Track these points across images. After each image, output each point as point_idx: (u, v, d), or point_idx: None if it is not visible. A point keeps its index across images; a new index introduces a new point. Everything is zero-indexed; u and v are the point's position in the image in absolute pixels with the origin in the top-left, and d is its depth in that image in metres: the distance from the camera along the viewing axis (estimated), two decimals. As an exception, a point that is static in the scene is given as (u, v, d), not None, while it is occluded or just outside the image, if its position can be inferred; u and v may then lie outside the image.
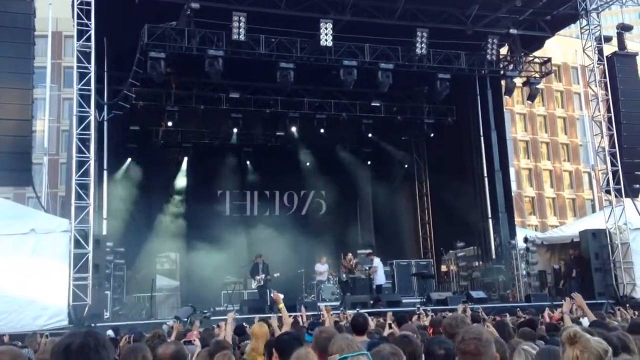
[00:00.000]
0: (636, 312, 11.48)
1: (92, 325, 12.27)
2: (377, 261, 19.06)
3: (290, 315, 7.39)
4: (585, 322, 6.50)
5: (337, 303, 16.39)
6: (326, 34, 16.24)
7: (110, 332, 9.42)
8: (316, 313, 12.45)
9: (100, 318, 13.49)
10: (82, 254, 13.19)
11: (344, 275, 18.44)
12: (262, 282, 17.53)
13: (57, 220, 14.80)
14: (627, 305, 13.48)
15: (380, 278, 18.86)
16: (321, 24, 16.21)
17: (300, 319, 9.01)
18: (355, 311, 10.00)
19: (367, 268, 18.89)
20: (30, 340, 8.17)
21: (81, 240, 13.22)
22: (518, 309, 12.85)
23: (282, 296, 7.22)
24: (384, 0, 17.00)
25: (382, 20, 17.16)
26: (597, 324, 5.50)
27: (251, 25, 15.79)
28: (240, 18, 15.58)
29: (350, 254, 19.24)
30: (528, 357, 3.75)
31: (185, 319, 11.86)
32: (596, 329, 4.56)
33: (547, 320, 8.61)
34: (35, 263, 12.84)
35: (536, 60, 19.78)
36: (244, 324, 9.14)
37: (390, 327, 7.23)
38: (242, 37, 15.78)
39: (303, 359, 3.52)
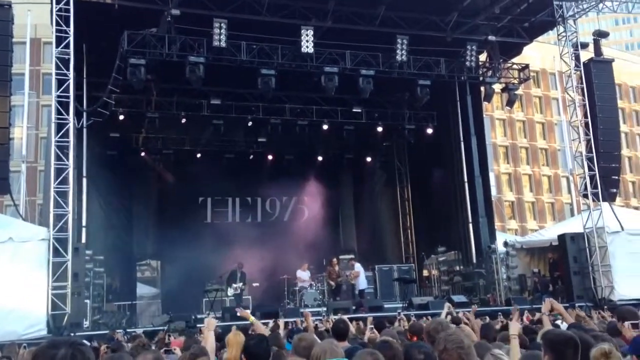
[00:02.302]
0: (613, 315, 11.62)
1: (72, 334, 12.13)
2: (358, 266, 19.13)
3: (267, 323, 7.37)
4: (563, 324, 6.58)
5: (320, 309, 16.38)
6: (307, 41, 16.29)
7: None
8: (298, 319, 12.42)
9: (80, 327, 13.33)
10: (61, 263, 13.06)
11: (332, 282, 18.51)
12: (238, 291, 17.52)
13: (35, 228, 14.62)
14: (605, 307, 13.66)
15: (362, 283, 18.94)
16: (302, 31, 16.26)
17: (281, 323, 9.00)
18: (337, 316, 10.02)
19: (348, 274, 18.97)
20: (9, 350, 8.05)
21: (60, 248, 13.08)
22: (499, 312, 12.96)
23: (248, 311, 7.21)
24: (364, 7, 17.12)
25: (362, 27, 17.28)
26: (575, 326, 5.57)
27: (232, 31, 15.77)
28: (221, 24, 15.57)
29: (334, 259, 19.32)
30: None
31: (164, 328, 11.79)
32: (574, 330, 4.63)
33: (526, 322, 8.70)
34: (13, 272, 12.68)
35: (514, 66, 20.02)
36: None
37: (371, 331, 7.25)
38: (223, 44, 15.75)
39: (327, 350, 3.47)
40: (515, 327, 4.75)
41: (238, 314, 10.28)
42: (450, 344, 3.20)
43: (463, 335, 3.47)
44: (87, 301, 14.80)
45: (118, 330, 12.70)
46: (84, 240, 16.24)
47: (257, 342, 4.25)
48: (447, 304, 9.55)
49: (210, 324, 5.68)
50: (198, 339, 8.11)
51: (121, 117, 19.08)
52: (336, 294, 18.83)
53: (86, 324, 14.21)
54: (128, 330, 13.24)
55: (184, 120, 20.18)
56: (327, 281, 18.90)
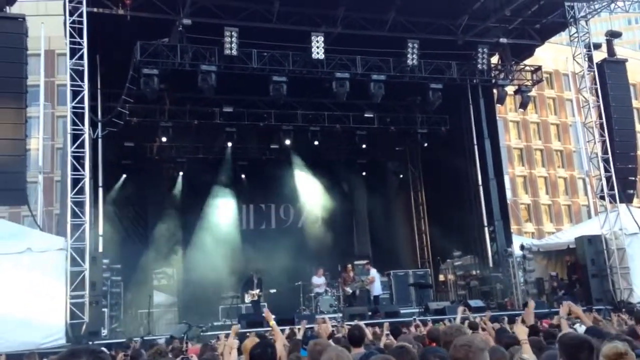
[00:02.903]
0: (632, 318, 11.48)
1: (90, 342, 12.22)
2: (373, 272, 19.07)
3: (285, 329, 7.40)
4: (581, 327, 6.53)
5: (336, 315, 16.35)
6: (318, 47, 16.35)
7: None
8: (315, 326, 12.41)
9: (98, 336, 13.42)
10: (79, 272, 13.16)
11: (348, 289, 18.48)
12: (255, 297, 17.54)
13: (53, 238, 14.76)
14: (623, 310, 13.50)
15: (377, 289, 18.88)
16: (312, 37, 16.32)
17: (297, 331, 9.00)
18: (353, 323, 10.00)
19: (363, 280, 18.92)
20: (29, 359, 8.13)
21: (77, 257, 13.19)
22: (516, 317, 12.86)
23: (273, 316, 7.26)
24: (374, 13, 17.14)
25: (373, 32, 17.30)
26: (592, 330, 5.52)
27: (243, 39, 15.88)
28: (232, 33, 15.68)
29: (349, 265, 19.30)
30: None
31: (182, 336, 11.83)
32: (591, 333, 4.59)
33: (545, 326, 8.63)
34: (31, 282, 12.79)
35: (527, 68, 19.93)
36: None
37: (387, 337, 7.24)
38: (234, 52, 15.86)
39: (334, 357, 3.48)
40: (522, 332, 4.72)
41: (263, 314, 10.42)
42: (459, 341, 3.26)
43: (477, 338, 3.47)
44: (105, 310, 14.90)
45: (135, 339, 12.77)
46: (100, 249, 16.35)
47: (262, 350, 4.26)
48: (460, 308, 9.51)
49: (231, 344, 5.54)
50: (215, 345, 8.16)
51: (135, 127, 19.24)
52: (352, 300, 18.80)
53: (104, 332, 14.30)
54: (145, 338, 13.31)
55: (197, 129, 20.30)
56: (342, 287, 18.88)
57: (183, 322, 14.78)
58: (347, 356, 3.47)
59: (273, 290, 18.07)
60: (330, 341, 5.76)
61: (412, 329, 9.44)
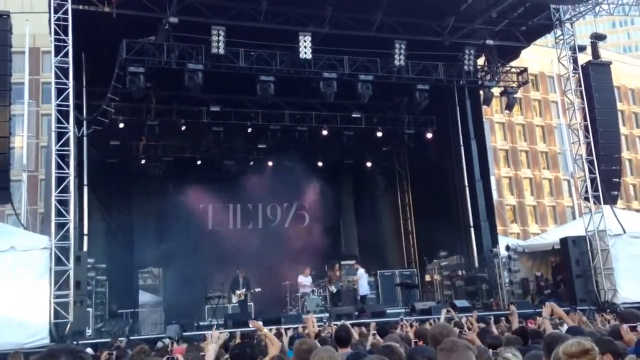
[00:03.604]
0: (616, 318, 11.61)
1: (75, 342, 12.11)
2: (361, 271, 19.10)
3: (271, 329, 7.36)
4: (564, 328, 6.58)
5: (322, 315, 16.35)
6: (305, 47, 16.33)
7: (89, 350, 9.30)
8: (299, 325, 12.41)
9: (83, 335, 13.32)
10: (63, 271, 13.06)
11: (333, 287, 18.49)
12: (242, 297, 17.49)
13: (37, 237, 14.62)
14: (607, 310, 13.63)
15: (363, 289, 18.90)
16: (300, 37, 16.30)
17: (283, 332, 8.98)
18: (340, 322, 9.99)
19: (349, 280, 18.95)
20: (14, 359, 8.04)
21: (62, 257, 13.08)
22: (502, 317, 12.94)
23: (260, 323, 7.18)
24: (361, 13, 17.16)
25: (360, 33, 17.32)
26: (574, 329, 5.57)
27: (230, 38, 15.82)
28: (220, 32, 15.62)
29: (336, 265, 19.31)
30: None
31: (180, 336, 11.81)
32: (571, 332, 4.63)
33: (530, 327, 8.69)
34: (15, 281, 12.67)
35: (513, 70, 20.05)
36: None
37: (374, 337, 7.24)
38: (221, 51, 15.80)
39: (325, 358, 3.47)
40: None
41: (251, 326, 10.23)
42: (445, 342, 3.26)
43: (462, 340, 3.48)
44: (90, 309, 14.78)
45: (120, 338, 12.68)
46: (85, 248, 16.24)
47: (241, 351, 4.25)
48: (444, 309, 9.55)
49: (215, 337, 5.58)
50: (200, 346, 8.11)
51: (121, 125, 19.13)
52: (338, 299, 18.82)
53: (89, 332, 14.19)
54: (131, 338, 13.22)
55: (183, 128, 20.22)
56: (327, 286, 18.88)
57: (172, 322, 14.71)
58: (339, 357, 3.46)
59: (258, 290, 18.02)
60: (316, 341, 5.74)
61: (400, 329, 9.44)
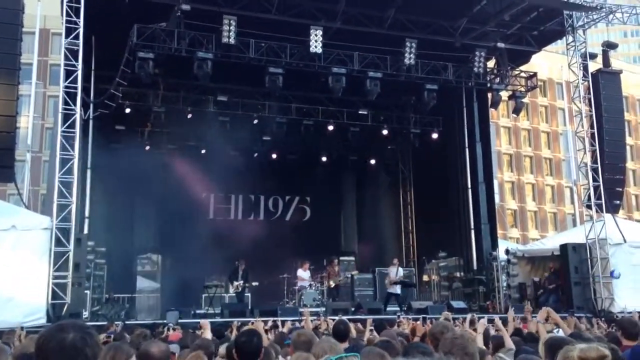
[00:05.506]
0: (611, 327, 11.61)
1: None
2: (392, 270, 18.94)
3: (268, 320, 7.38)
4: (559, 334, 6.57)
5: (319, 309, 16.39)
6: (316, 41, 16.30)
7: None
8: (297, 319, 12.44)
9: (79, 317, 13.33)
10: (63, 252, 13.10)
11: (332, 282, 18.50)
12: (239, 289, 17.52)
13: (38, 217, 14.66)
14: (602, 319, 13.62)
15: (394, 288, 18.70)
16: (311, 31, 16.27)
17: (279, 324, 9.00)
18: (337, 317, 10.01)
19: (348, 276, 18.95)
20: (8, 337, 8.07)
21: (62, 238, 13.12)
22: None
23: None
24: (374, 9, 17.13)
25: (372, 29, 17.28)
26: (576, 334, 5.57)
27: (241, 29, 15.80)
28: (231, 21, 15.60)
29: (335, 260, 19.31)
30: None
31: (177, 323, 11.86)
32: (576, 339, 4.62)
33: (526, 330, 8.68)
34: (14, 260, 12.71)
35: (522, 74, 20.01)
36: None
37: (371, 333, 7.26)
38: (232, 41, 15.78)
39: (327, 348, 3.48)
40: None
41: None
42: (456, 348, 3.23)
43: (469, 341, 3.48)
44: (87, 292, 14.83)
45: (117, 322, 12.73)
46: (86, 231, 16.27)
47: (248, 339, 4.23)
48: (444, 313, 9.54)
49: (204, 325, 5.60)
50: (197, 333, 8.13)
51: (127, 110, 19.12)
52: (335, 294, 18.83)
53: (85, 314, 14.24)
54: (127, 322, 13.27)
55: (190, 116, 20.20)
56: (326, 281, 18.89)
57: (172, 308, 14.76)
58: (340, 347, 3.47)
59: (255, 283, 18.10)
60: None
61: (396, 326, 9.45)
